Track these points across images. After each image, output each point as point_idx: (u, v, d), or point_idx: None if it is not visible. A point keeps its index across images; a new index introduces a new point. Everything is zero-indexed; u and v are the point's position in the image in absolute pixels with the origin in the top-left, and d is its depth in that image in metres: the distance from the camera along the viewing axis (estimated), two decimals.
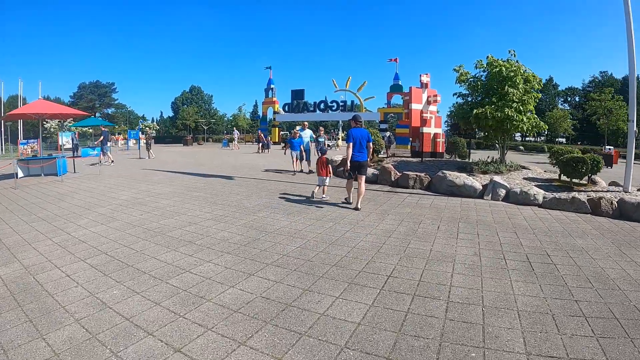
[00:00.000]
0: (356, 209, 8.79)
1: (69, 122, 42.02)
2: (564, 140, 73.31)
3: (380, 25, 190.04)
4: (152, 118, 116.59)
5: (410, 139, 18.68)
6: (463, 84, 14.07)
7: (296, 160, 15.57)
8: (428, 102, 17.90)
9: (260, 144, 33.67)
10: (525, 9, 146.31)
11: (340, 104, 48.29)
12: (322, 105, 49.27)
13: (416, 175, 12.42)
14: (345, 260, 5.29)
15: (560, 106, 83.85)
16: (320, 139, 13.96)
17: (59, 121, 43.45)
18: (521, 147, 56.29)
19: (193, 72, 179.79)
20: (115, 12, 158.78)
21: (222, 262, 5.16)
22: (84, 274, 4.77)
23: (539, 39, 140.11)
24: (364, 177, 9.25)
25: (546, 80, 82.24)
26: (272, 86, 54.26)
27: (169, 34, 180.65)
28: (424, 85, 17.72)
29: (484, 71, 13.51)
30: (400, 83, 45.63)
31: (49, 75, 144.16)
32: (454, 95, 14.78)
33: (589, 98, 59.59)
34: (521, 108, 12.61)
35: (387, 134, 22.97)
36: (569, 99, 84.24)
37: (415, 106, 17.45)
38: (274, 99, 53.92)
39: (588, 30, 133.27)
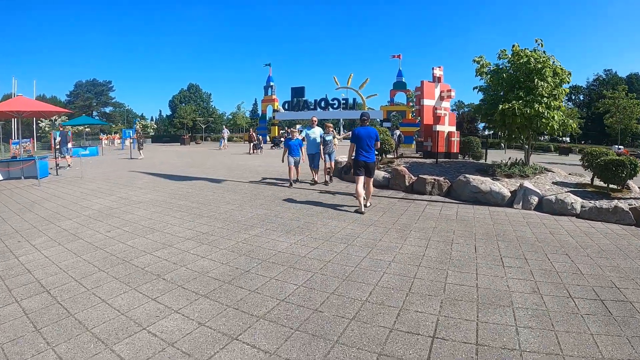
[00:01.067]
0: (360, 212, 8.37)
1: (61, 121, 40.56)
2: (568, 139, 71.88)
3: (382, 20, 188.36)
4: (151, 117, 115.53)
5: (420, 138, 17.21)
6: (484, 76, 12.60)
7: (293, 168, 12.39)
8: (441, 98, 16.40)
9: (252, 144, 30.78)
10: (528, 7, 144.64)
11: (342, 101, 47.03)
12: (322, 103, 48.12)
13: (434, 179, 10.97)
14: (368, 308, 3.80)
15: (564, 104, 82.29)
16: (327, 138, 12.15)
17: (50, 120, 42.08)
18: (526, 146, 54.58)
19: (191, 70, 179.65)
20: (112, 10, 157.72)
21: (194, 313, 3.68)
22: (3, 329, 3.37)
23: (542, 36, 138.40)
24: (371, 180, 8.82)
25: None
26: (271, 84, 52.92)
27: (167, 31, 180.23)
28: (436, 79, 16.21)
29: (509, 62, 12.05)
30: (403, 80, 44.51)
31: (45, 73, 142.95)
32: (474, 89, 13.31)
33: (601, 95, 58.14)
34: (552, 104, 11.20)
35: (397, 132, 21.43)
36: (573, 97, 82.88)
37: (428, 102, 15.94)
38: (274, 96, 52.63)
39: (591, 29, 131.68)
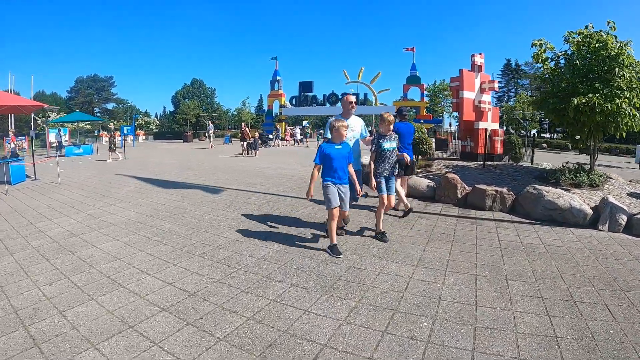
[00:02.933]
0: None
1: (52, 117, 38.34)
2: (577, 137, 69.00)
3: (394, 10, 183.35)
4: (155, 113, 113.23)
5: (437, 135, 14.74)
6: (545, 64, 10.30)
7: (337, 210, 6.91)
8: (482, 90, 13.95)
9: (245, 143, 23.90)
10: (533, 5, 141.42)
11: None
12: (332, 99, 45.69)
13: (495, 191, 8.59)
14: None
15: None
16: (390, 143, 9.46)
17: (41, 116, 39.82)
18: (544, 145, 52.15)
19: (196, 65, 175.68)
20: (113, 3, 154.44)
21: None
22: None
23: (556, 31, 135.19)
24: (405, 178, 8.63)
25: None
26: (278, 78, 50.44)
27: (171, 25, 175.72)
28: (476, 68, 13.76)
29: (577, 47, 9.71)
30: (417, 74, 42.21)
31: (45, 69, 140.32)
32: (536, 78, 10.85)
33: None
34: (635, 99, 8.93)
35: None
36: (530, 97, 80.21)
37: (468, 94, 13.48)
38: (280, 91, 50.21)
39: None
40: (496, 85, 13.88)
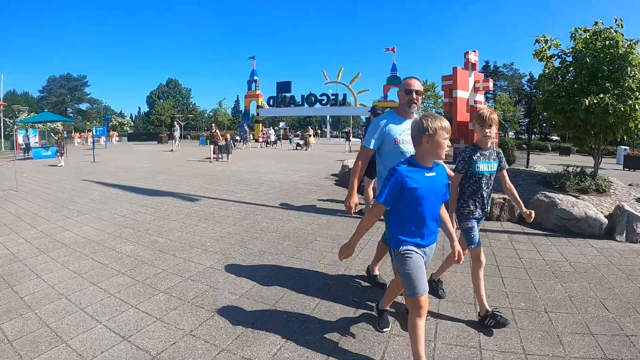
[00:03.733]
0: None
1: (21, 117, 36.36)
2: (557, 137, 70.02)
3: (375, 10, 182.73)
4: (131, 114, 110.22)
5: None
6: (549, 62, 9.70)
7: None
8: (475, 90, 13.18)
9: (214, 146, 20.59)
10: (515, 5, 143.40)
11: (331, 97, 43.80)
12: (311, 99, 44.86)
13: (503, 199, 7.78)
14: None
15: None
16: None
17: (11, 116, 37.83)
18: (524, 146, 51.97)
19: (172, 65, 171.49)
20: (87, 1, 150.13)
21: None
22: None
23: (529, 33, 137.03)
24: None
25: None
26: (255, 78, 49.26)
27: (146, 22, 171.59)
28: (470, 67, 12.98)
29: (584, 44, 9.03)
30: (398, 75, 41.50)
31: (17, 68, 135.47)
32: (540, 77, 10.05)
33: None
34: None
35: None
36: (535, 97, 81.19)
37: (462, 94, 12.67)
38: (258, 91, 49.06)
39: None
40: (491, 84, 13.13)
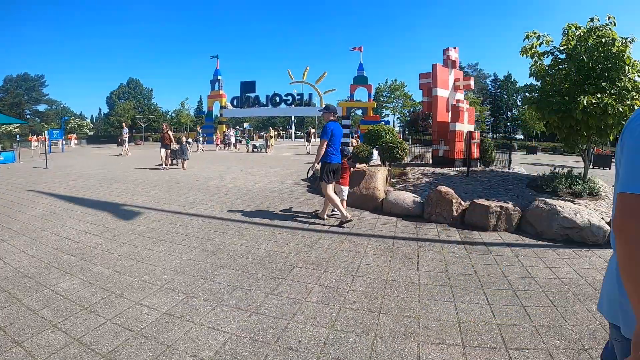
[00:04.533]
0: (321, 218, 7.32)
1: None
2: (521, 136, 71.45)
3: (341, 8, 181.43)
4: (91, 115, 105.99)
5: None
6: (538, 59, 9.24)
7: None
8: (455, 88, 12.53)
9: (167, 150, 17.03)
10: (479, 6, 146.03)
11: (297, 97, 42.86)
12: (276, 99, 43.83)
13: (499, 207, 7.06)
14: None
15: (519, 102, 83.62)
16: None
17: None
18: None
19: (133, 64, 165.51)
20: None
21: None
22: None
23: (493, 34, 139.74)
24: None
25: (504, 76, 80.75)
26: (218, 77, 47.78)
27: (104, 19, 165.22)
28: (450, 64, 12.32)
29: (582, 40, 8.48)
30: (365, 74, 41.02)
31: None
32: (531, 76, 9.39)
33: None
34: None
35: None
36: (527, 95, 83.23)
37: (442, 92, 11.98)
38: (221, 92, 47.60)
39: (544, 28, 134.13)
40: (472, 83, 12.49)
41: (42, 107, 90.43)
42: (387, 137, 10.31)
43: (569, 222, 6.37)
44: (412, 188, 8.90)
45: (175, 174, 14.11)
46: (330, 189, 6.89)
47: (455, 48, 12.47)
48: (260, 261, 5.02)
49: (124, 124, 30.51)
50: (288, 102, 43.56)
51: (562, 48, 8.76)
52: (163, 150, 16.97)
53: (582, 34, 8.48)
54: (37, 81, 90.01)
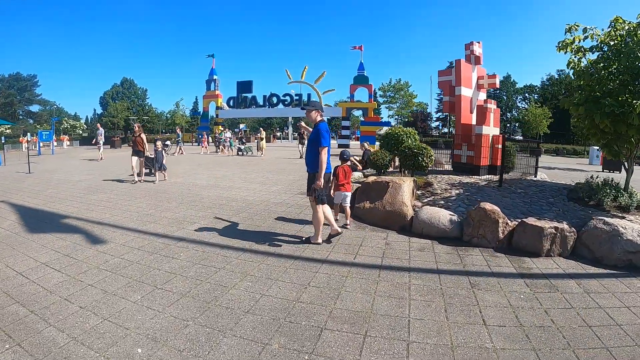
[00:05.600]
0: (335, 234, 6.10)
1: None
2: (521, 137, 70.62)
3: (341, 6, 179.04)
4: (86, 116, 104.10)
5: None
6: (578, 55, 8.11)
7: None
8: (478, 87, 11.25)
9: (138, 158, 13.18)
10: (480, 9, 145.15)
11: (295, 97, 41.48)
12: (273, 99, 42.47)
13: (554, 228, 5.80)
14: None
15: (518, 104, 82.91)
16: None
17: None
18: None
19: (127, 64, 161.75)
20: None
21: None
22: None
23: (494, 36, 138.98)
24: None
25: (504, 77, 79.85)
26: (214, 77, 46.38)
27: (99, 18, 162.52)
28: (474, 60, 11.04)
29: (632, 36, 7.34)
30: (365, 74, 39.65)
31: None
32: (570, 68, 8.14)
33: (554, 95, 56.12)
34: None
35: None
36: (527, 96, 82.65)
37: (465, 91, 10.68)
38: (217, 92, 46.21)
39: (543, 29, 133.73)
40: (497, 81, 11.20)
41: (35, 108, 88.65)
42: (409, 141, 8.98)
43: (633, 246, 5.30)
44: (442, 202, 7.59)
45: (162, 185, 12.66)
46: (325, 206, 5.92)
47: (479, 42, 11.17)
48: (273, 319, 3.65)
49: (98, 124, 28.07)
50: (286, 103, 42.19)
51: (611, 42, 7.53)
52: (135, 159, 13.09)
53: (631, 28, 7.32)
54: (29, 81, 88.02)
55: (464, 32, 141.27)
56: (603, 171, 24.22)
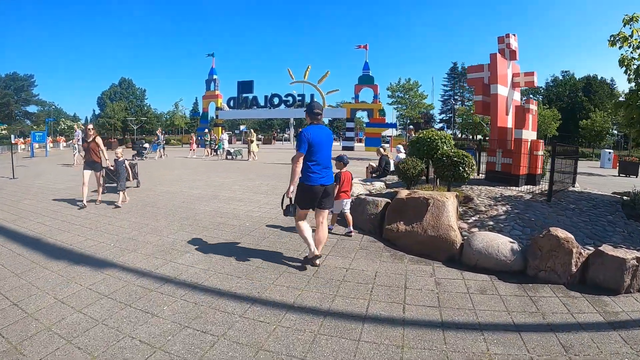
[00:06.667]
0: (313, 264, 5.12)
1: None
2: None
3: (345, 3, 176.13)
4: (86, 117, 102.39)
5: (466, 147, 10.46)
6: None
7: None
8: (513, 85, 9.89)
9: (95, 172, 9.65)
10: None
11: (297, 98, 40.12)
12: (275, 100, 41.12)
13: (635, 259, 4.55)
14: None
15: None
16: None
17: None
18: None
19: (126, 64, 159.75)
20: None
21: None
22: None
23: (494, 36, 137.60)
24: (326, 213, 5.27)
25: None
26: (214, 77, 45.07)
27: (97, 17, 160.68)
28: (509, 55, 9.68)
29: None
30: (370, 74, 38.38)
31: None
32: (621, 65, 6.85)
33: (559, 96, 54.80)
34: None
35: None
36: (532, 98, 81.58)
37: (502, 90, 9.30)
38: (217, 92, 44.90)
39: (546, 29, 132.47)
40: (535, 79, 9.83)
41: (33, 109, 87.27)
42: (444, 147, 7.57)
43: None
44: (491, 223, 6.18)
45: (151, 191, 11.05)
46: (303, 217, 5.11)
47: (514, 35, 9.80)
48: None
49: (75, 125, 25.33)
50: (288, 103, 40.94)
51: None
52: (88, 173, 9.42)
53: None
54: (26, 81, 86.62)
55: (464, 32, 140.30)
56: (619, 175, 23.15)
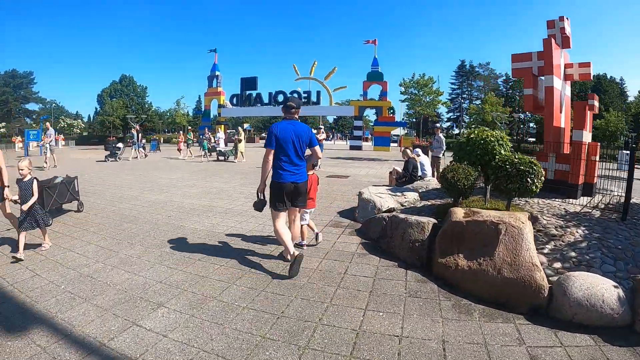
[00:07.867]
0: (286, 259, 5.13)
1: None
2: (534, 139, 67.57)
3: None
4: (88, 115, 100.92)
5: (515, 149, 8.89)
6: None
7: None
8: (565, 78, 8.39)
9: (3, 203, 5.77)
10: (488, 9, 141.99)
11: (303, 95, 38.65)
12: (279, 97, 39.71)
13: None
14: None
15: None
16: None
17: None
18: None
19: (129, 61, 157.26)
20: None
21: None
22: None
23: (503, 34, 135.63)
24: (297, 211, 5.34)
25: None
26: (217, 73, 43.63)
27: (99, 13, 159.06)
28: (562, 42, 8.17)
29: None
30: (379, 70, 36.96)
31: None
32: None
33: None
34: None
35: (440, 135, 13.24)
36: None
37: (557, 83, 7.81)
38: (220, 89, 43.47)
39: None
40: (591, 70, 8.30)
41: (34, 106, 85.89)
42: (502, 150, 5.95)
43: None
44: (573, 254, 4.62)
45: (138, 200, 9.42)
46: (280, 219, 4.90)
47: (567, 19, 8.27)
48: None
49: (47, 123, 23.10)
50: None
51: None
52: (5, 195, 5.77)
53: None
54: (25, 78, 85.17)
55: (464, 32, 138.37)
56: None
